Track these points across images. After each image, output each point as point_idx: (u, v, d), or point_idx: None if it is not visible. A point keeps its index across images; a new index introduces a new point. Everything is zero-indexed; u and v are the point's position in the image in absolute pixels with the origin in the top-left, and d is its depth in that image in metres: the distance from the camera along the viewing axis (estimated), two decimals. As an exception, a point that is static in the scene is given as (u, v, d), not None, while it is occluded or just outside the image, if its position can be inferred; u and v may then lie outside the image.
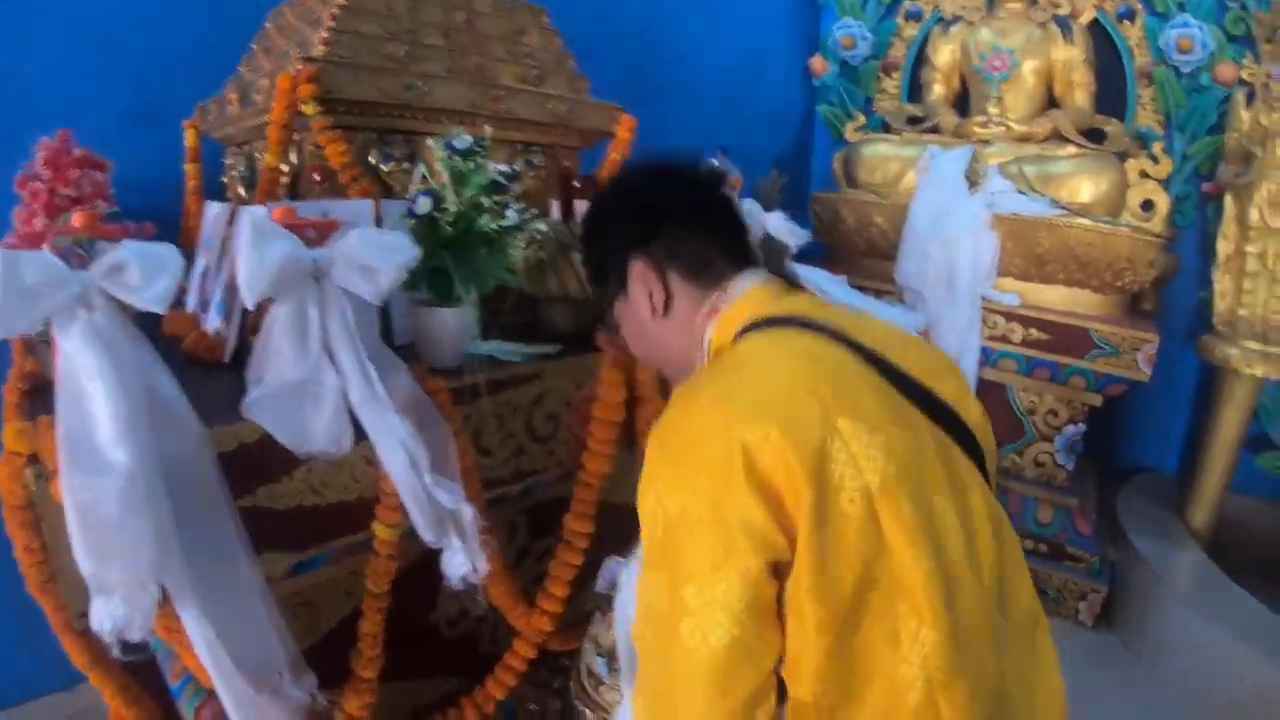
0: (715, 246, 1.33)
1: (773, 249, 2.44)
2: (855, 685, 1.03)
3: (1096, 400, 3.67)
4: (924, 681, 1.01)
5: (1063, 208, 3.76)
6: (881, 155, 4.22)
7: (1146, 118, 4.27)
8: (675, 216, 1.33)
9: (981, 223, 3.71)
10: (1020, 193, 3.78)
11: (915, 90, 4.83)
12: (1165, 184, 4.14)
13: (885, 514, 1.02)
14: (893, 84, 4.88)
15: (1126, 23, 4.30)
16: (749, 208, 2.43)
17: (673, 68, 4.32)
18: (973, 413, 1.24)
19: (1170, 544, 3.63)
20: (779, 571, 1.03)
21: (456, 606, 2.14)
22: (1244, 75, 3.83)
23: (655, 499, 1.08)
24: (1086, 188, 3.77)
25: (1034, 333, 3.66)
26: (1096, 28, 4.36)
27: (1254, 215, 3.59)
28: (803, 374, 1.09)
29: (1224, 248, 3.77)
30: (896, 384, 1.15)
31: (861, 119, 4.82)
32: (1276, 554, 3.93)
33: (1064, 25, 4.26)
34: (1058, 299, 3.77)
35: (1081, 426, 3.76)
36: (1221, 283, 3.79)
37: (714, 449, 1.03)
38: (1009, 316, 3.71)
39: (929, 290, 3.79)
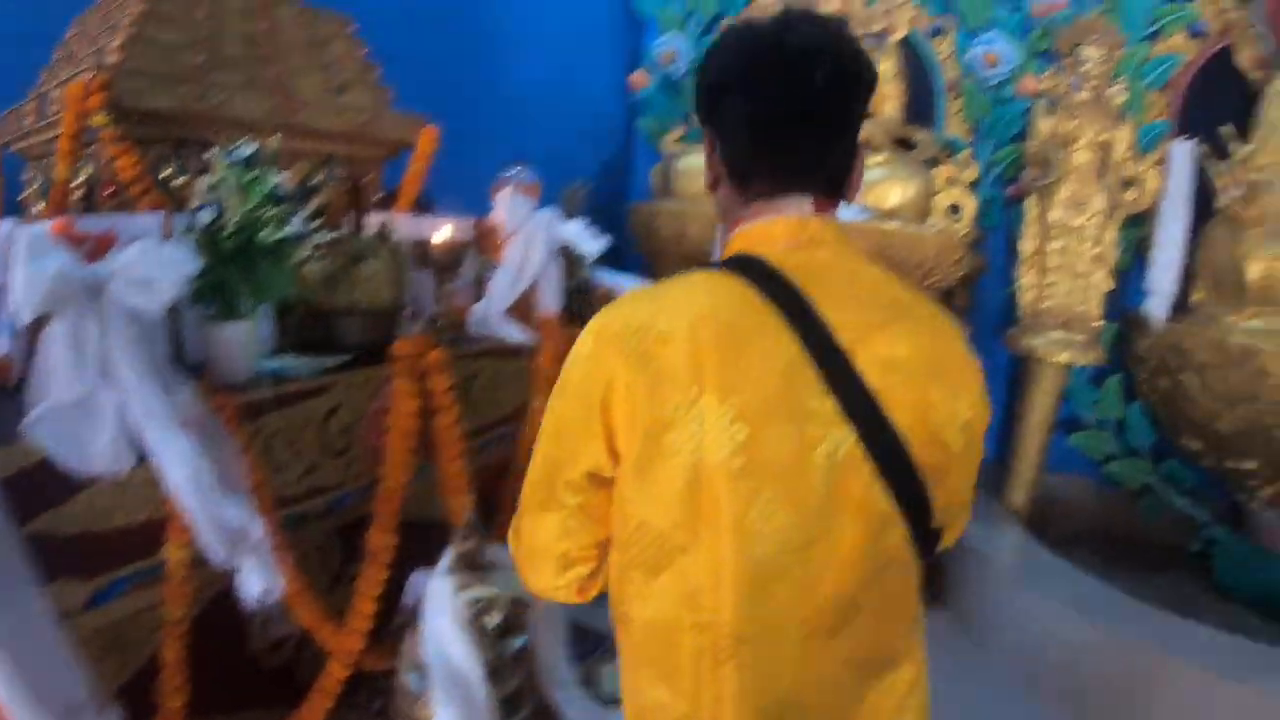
0: (763, 157, 1.12)
1: (572, 256, 2.53)
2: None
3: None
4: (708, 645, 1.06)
5: (872, 212, 4.01)
6: (698, 167, 4.39)
7: (955, 127, 4.58)
8: (729, 107, 1.11)
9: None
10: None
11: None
12: (973, 188, 4.45)
13: (704, 498, 1.03)
14: (715, 98, 5.08)
15: (938, 39, 4.60)
16: (549, 216, 2.51)
17: (490, 81, 4.38)
18: (927, 426, 1.06)
19: (990, 524, 3.91)
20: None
21: (272, 633, 2.10)
22: (1044, 87, 4.14)
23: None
24: (895, 193, 4.04)
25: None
26: (908, 44, 4.65)
27: (1055, 215, 3.91)
28: (700, 336, 1.03)
29: (1027, 246, 4.07)
30: (829, 373, 1.03)
31: (680, 131, 4.99)
32: (1098, 525, 4.27)
33: (879, 41, 4.53)
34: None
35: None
36: (1025, 278, 4.09)
37: (580, 374, 1.10)
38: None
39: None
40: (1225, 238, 3.68)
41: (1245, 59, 4.20)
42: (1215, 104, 4.04)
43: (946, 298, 4.24)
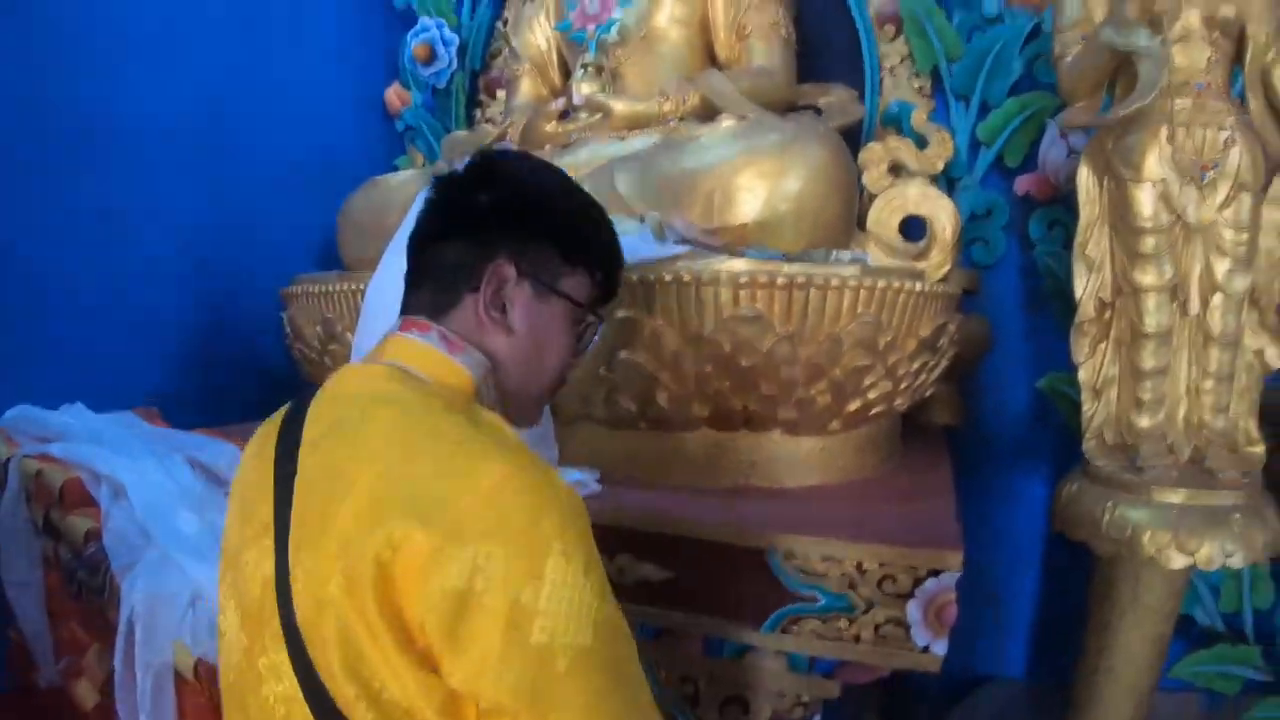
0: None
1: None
2: None
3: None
4: None
5: (692, 242, 1.74)
6: (380, 201, 2.25)
7: (901, 88, 2.33)
8: None
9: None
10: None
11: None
12: (948, 186, 2.16)
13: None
14: (501, 105, 2.91)
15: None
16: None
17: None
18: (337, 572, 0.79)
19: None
20: None
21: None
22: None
23: None
24: (754, 195, 1.76)
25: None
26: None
27: (1144, 212, 1.63)
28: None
29: (1085, 292, 1.76)
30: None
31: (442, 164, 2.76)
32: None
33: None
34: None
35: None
36: (1087, 365, 1.77)
37: None
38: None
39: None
40: None
41: None
42: None
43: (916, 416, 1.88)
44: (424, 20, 3.02)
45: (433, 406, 0.88)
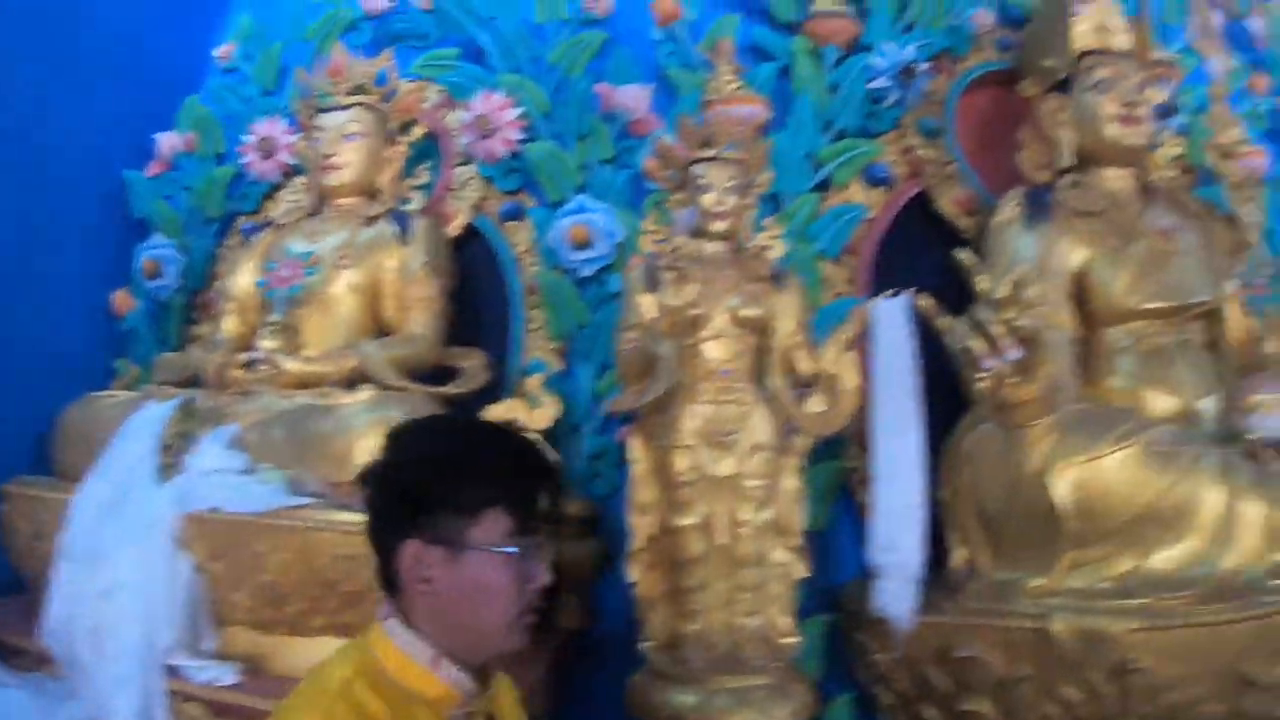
0: None
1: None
2: None
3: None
4: None
5: (319, 495, 2.16)
6: (92, 417, 2.56)
7: (540, 346, 2.87)
8: None
9: (164, 532, 1.99)
10: (244, 473, 2.12)
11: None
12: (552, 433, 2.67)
13: None
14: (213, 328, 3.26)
15: (513, 224, 2.99)
16: None
17: None
18: None
19: None
20: None
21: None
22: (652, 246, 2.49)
23: None
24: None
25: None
26: (478, 235, 3.02)
27: (681, 463, 2.19)
28: None
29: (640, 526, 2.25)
30: None
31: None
32: None
33: (402, 222, 2.86)
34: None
35: None
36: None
37: None
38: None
39: (87, 658, 1.96)
40: (998, 446, 2.20)
41: (947, 203, 2.73)
42: (916, 268, 2.49)
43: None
44: (156, 237, 3.37)
45: (344, 674, 1.08)
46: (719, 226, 2.26)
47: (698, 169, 2.27)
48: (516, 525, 1.11)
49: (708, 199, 2.24)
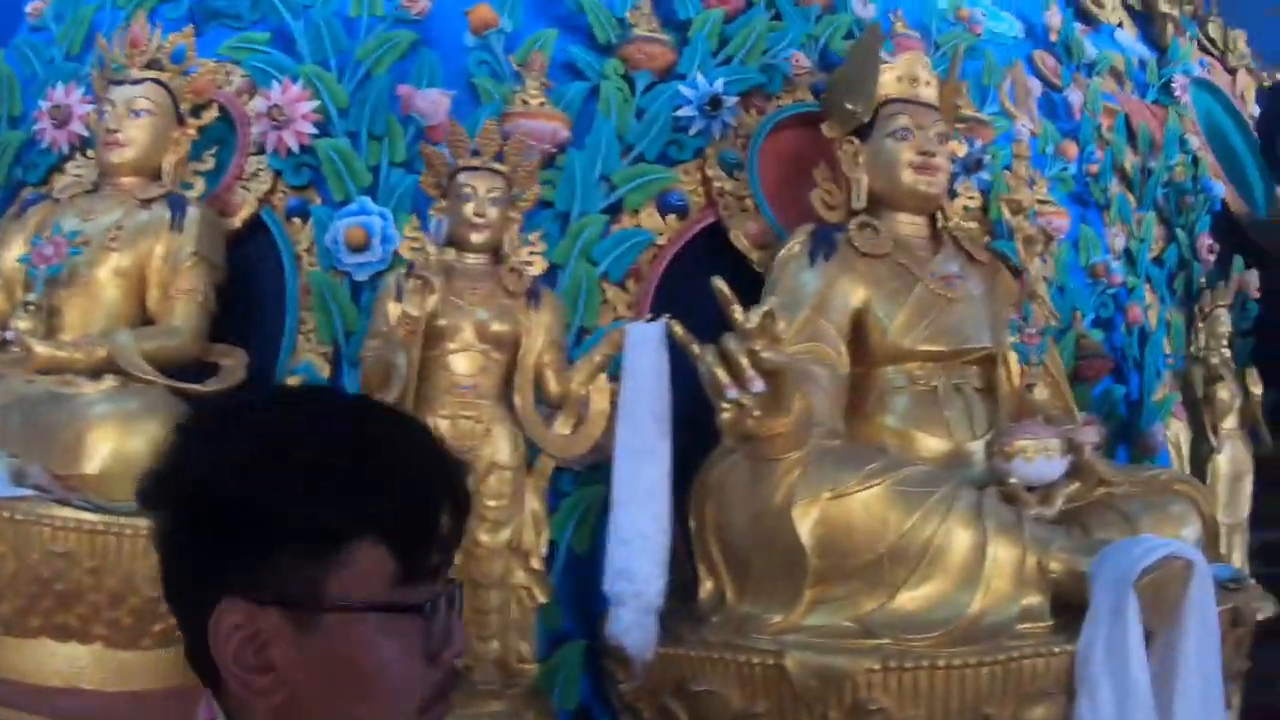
0: None
1: None
2: None
3: None
4: None
5: (41, 487, 2.02)
6: None
7: (310, 350, 2.73)
8: None
9: None
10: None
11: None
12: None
13: None
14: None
15: (294, 221, 2.85)
16: None
17: None
18: None
19: None
20: None
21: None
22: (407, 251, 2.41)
23: None
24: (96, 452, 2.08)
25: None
26: (261, 231, 2.88)
27: None
28: None
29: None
30: None
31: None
32: None
33: (178, 207, 2.70)
34: (57, 666, 2.14)
35: None
36: None
37: None
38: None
39: None
40: (745, 478, 2.15)
41: (742, 236, 2.73)
42: (702, 296, 2.45)
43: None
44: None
45: None
46: (478, 238, 2.24)
47: (462, 177, 2.25)
48: (404, 566, 0.67)
49: (468, 208, 2.22)
